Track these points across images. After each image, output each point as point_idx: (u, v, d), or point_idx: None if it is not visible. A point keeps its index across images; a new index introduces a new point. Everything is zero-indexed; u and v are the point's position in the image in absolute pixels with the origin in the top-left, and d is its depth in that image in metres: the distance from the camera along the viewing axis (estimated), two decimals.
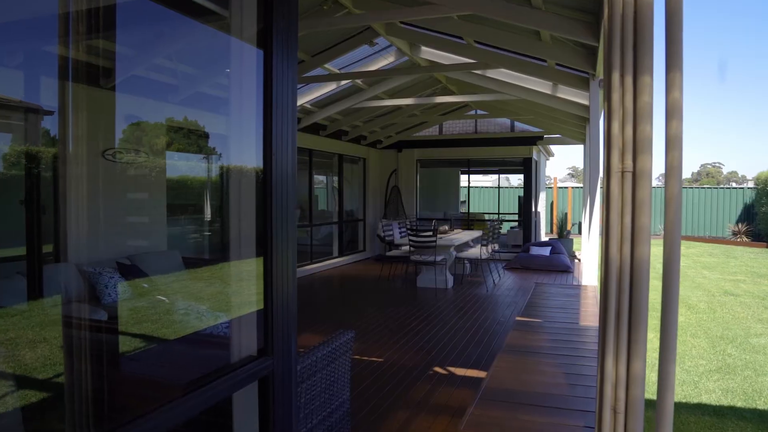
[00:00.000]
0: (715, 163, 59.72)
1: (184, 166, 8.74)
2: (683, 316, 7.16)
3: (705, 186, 22.57)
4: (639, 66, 1.73)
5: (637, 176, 1.74)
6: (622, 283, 1.76)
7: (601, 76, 5.11)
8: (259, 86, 1.96)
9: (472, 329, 5.95)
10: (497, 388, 2.41)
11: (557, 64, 5.95)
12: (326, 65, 7.19)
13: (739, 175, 58.43)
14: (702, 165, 63.39)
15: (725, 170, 59.90)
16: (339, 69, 7.64)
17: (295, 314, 2.17)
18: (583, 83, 5.85)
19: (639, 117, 1.74)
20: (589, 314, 3.88)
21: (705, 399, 4.31)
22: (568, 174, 59.23)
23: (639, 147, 1.74)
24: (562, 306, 4.22)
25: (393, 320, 6.36)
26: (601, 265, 1.86)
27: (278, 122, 2.01)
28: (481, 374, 4.44)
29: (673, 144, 1.69)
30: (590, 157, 6.70)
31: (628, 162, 1.74)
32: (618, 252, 1.77)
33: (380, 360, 4.86)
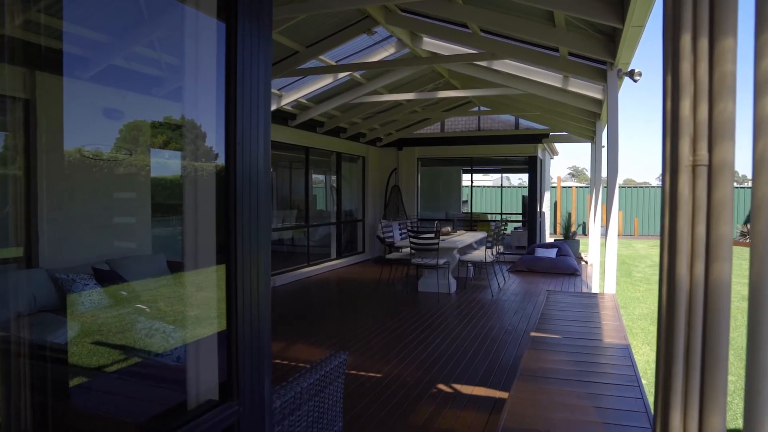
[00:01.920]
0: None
1: (174, 164, 8.30)
2: None
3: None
4: (718, 25, 1.31)
5: (714, 171, 1.31)
6: (694, 312, 1.33)
7: (620, 66, 4.69)
8: (221, 65, 1.54)
9: (478, 339, 5.53)
10: (517, 428, 1.98)
11: (570, 54, 5.53)
12: (322, 56, 6.76)
13: (740, 175, 57.96)
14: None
15: None
16: (336, 61, 7.22)
17: (267, 343, 1.74)
18: (599, 74, 5.43)
19: (717, 93, 1.31)
20: (612, 328, 3.46)
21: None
22: (569, 174, 58.74)
23: (717, 132, 1.31)
24: (581, 319, 3.79)
25: (393, 329, 5.94)
26: (662, 288, 1.43)
27: (244, 107, 1.58)
28: (490, 393, 4.02)
29: (765, 128, 1.27)
30: (596, 156, 6.31)
31: (702, 152, 1.32)
32: (688, 271, 1.34)
33: (378, 376, 4.43)
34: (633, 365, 2.74)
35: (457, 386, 4.20)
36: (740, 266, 10.68)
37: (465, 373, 4.51)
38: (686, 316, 1.35)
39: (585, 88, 6.51)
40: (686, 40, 1.32)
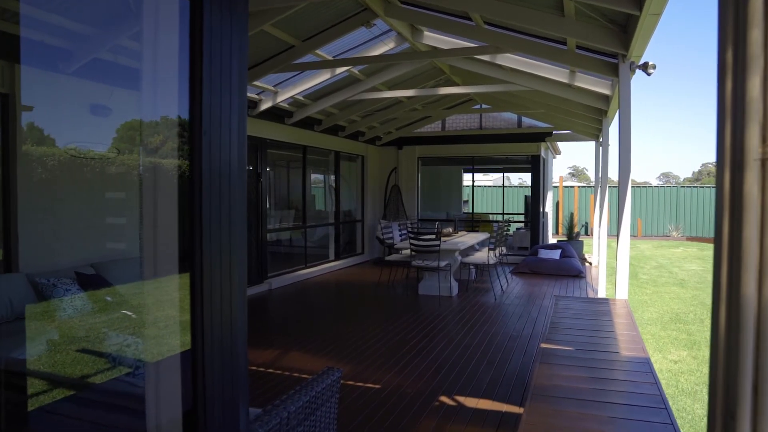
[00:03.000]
0: (715, 162, 59.05)
1: (170, 163, 8.03)
2: None
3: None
4: None
5: None
6: (763, 341, 1.08)
7: (632, 58, 4.43)
8: (185, 47, 1.29)
9: (482, 346, 5.28)
10: None
11: (578, 48, 5.27)
12: (318, 51, 6.50)
13: None
14: (703, 164, 62.75)
15: None
16: (333, 57, 6.96)
17: (243, 365, 1.48)
18: (608, 68, 5.17)
19: None
20: (628, 339, 3.20)
21: None
22: (569, 173, 58.45)
23: None
24: (593, 328, 3.54)
25: (393, 334, 5.69)
26: (719, 310, 1.17)
27: (213, 94, 1.33)
28: (496, 406, 3.77)
29: None
30: (604, 155, 6.03)
31: None
32: (756, 290, 1.08)
33: (377, 387, 4.18)
34: (656, 383, 2.49)
35: (461, 398, 3.94)
36: None
37: (469, 383, 4.25)
38: (754, 347, 1.08)
39: (592, 84, 6.25)
40: (756, 3, 1.06)
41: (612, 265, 11.78)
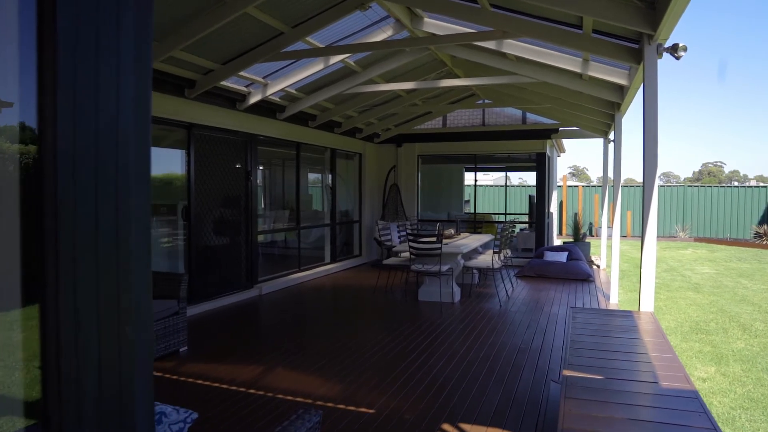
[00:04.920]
0: (716, 162, 58.62)
1: (155, 160, 7.52)
2: (742, 341, 5.97)
3: (724, 185, 21.35)
4: None
5: None
6: None
7: (660, 40, 3.93)
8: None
9: (489, 360, 4.78)
10: None
11: (594, 32, 4.77)
12: (309, 38, 6.01)
13: (741, 174, 57.30)
14: (703, 164, 62.23)
15: (727, 169, 58.81)
16: (326, 45, 6.46)
17: None
18: (629, 54, 4.67)
19: None
20: (665, 364, 2.70)
21: None
22: (570, 173, 57.86)
23: None
24: (621, 348, 3.04)
25: (390, 348, 5.19)
26: None
27: (77, 52, 0.82)
28: None
29: None
30: (614, 152, 5.64)
31: None
32: None
33: (371, 412, 3.67)
34: (714, 428, 1.99)
35: (467, 427, 3.44)
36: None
37: (475, 406, 3.75)
38: None
39: (607, 73, 5.75)
40: None
41: (624, 269, 11.27)
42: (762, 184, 19.43)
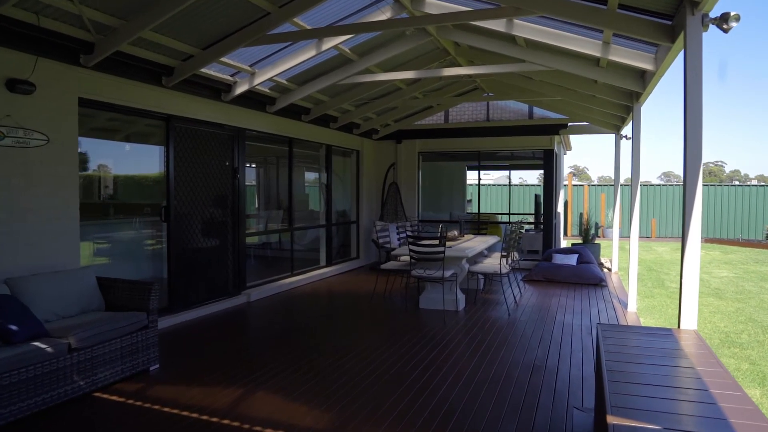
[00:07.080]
0: (717, 161, 57.95)
1: (138, 156, 6.94)
2: None
3: (735, 183, 20.74)
4: None
5: None
6: None
7: (706, 10, 3.33)
8: None
9: (500, 382, 4.18)
10: None
11: (620, 7, 4.18)
12: (298, 20, 5.42)
13: (742, 174, 56.66)
14: (704, 164, 61.50)
15: (727, 169, 58.21)
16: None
17: None
18: (661, 31, 4.08)
19: None
20: (735, 404, 2.13)
21: None
22: (570, 172, 57.14)
23: None
24: (673, 383, 2.46)
25: (388, 365, 4.59)
26: None
27: None
28: None
29: None
30: (634, 149, 5.09)
31: None
32: None
33: None
34: None
35: None
36: None
37: None
38: None
39: (629, 57, 5.15)
40: None
41: (639, 272, 10.67)
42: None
